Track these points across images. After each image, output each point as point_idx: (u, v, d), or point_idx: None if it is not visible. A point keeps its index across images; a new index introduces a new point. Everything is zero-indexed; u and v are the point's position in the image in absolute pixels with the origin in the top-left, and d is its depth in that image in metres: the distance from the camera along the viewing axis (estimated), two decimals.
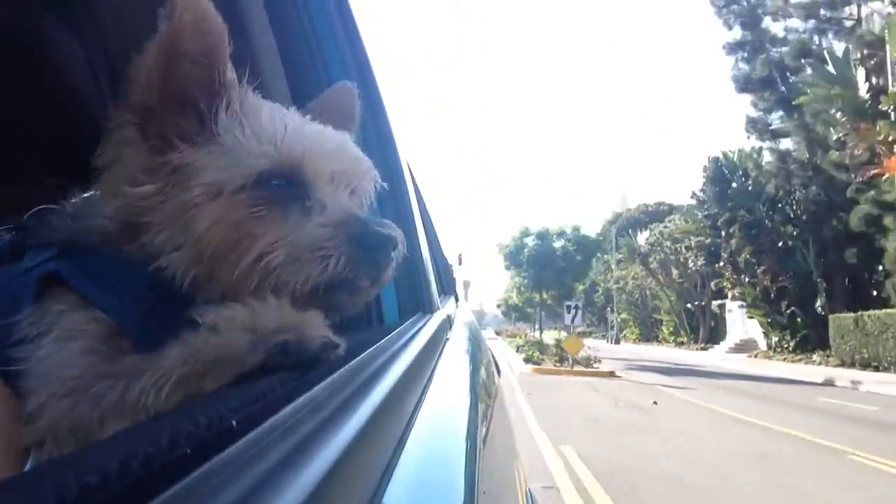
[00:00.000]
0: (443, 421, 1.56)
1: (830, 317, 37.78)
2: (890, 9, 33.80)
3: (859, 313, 34.61)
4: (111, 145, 1.13)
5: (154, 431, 0.70)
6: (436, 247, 5.12)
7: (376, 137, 2.38)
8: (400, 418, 1.24)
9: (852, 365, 34.37)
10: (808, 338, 40.50)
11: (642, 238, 70.70)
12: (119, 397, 0.98)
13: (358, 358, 1.22)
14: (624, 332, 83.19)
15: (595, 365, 36.88)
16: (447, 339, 2.83)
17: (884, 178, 30.04)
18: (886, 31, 30.01)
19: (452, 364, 2.40)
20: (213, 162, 1.11)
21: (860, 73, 32.00)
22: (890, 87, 29.05)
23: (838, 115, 33.54)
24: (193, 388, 0.98)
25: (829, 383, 30.25)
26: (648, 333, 76.58)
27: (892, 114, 28.04)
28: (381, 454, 1.04)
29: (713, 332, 59.98)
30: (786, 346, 43.61)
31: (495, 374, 4.07)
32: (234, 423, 0.75)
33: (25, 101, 1.33)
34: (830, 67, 34.71)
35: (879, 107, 29.76)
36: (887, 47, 29.64)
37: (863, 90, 31.87)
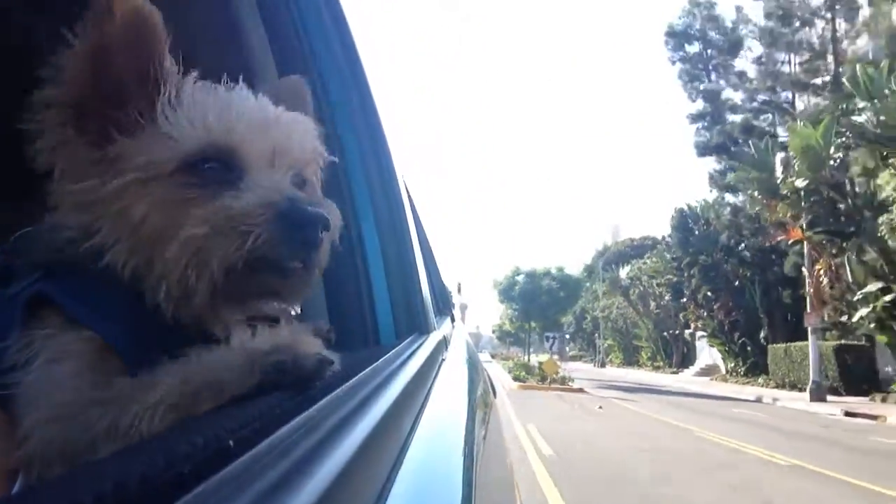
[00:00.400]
0: (439, 441, 1.42)
1: (769, 347, 41.16)
2: (814, 99, 37.75)
3: (787, 344, 38.41)
4: (48, 147, 0.99)
5: (150, 451, 0.64)
6: (432, 267, 4.68)
7: (370, 145, 2.16)
8: (396, 438, 1.13)
9: (784, 386, 37.70)
10: (757, 364, 42.94)
11: (624, 272, 70.21)
12: (111, 423, 0.86)
13: (354, 378, 1.11)
14: (610, 356, 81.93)
15: (569, 383, 41.16)
16: (443, 360, 2.56)
17: (789, 241, 34.26)
18: (789, 133, 34.20)
19: (448, 385, 2.18)
20: (145, 149, 0.98)
21: (778, 158, 34.79)
22: (789, 178, 32.48)
23: (756, 193, 37.15)
24: (188, 412, 0.87)
25: (758, 400, 33.61)
26: (630, 358, 75.45)
27: (792, 196, 32.26)
28: (378, 474, 0.94)
29: (685, 358, 60.56)
30: (739, 370, 46.07)
31: (491, 394, 3.72)
32: (231, 443, 0.67)
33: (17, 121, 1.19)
34: (753, 153, 37.63)
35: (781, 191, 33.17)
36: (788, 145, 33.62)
37: (778, 172, 34.09)
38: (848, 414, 26.02)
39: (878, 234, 27.70)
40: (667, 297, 57.26)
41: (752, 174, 36.38)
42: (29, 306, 0.93)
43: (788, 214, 33.00)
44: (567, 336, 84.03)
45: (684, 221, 49.39)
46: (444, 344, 3.02)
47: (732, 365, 47.14)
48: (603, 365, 78.38)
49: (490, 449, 2.18)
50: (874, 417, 24.58)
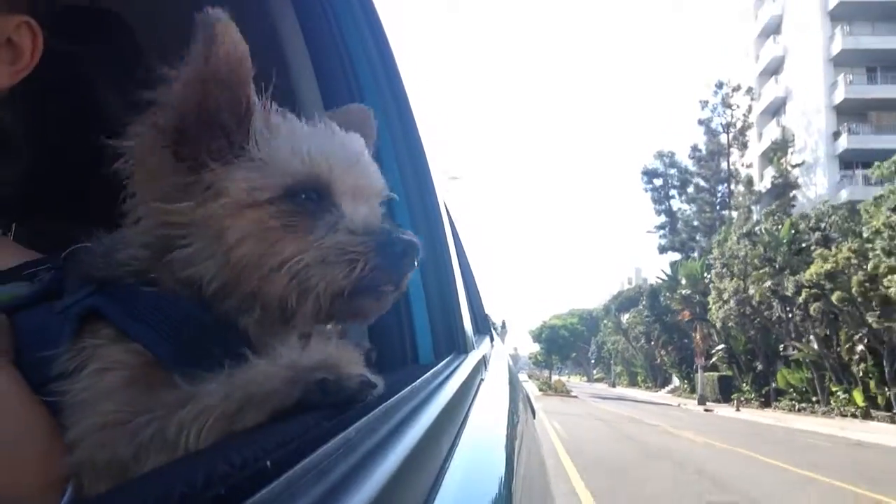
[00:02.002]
0: (478, 465, 1.03)
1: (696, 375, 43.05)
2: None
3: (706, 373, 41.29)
4: (144, 168, 0.72)
5: (189, 471, 0.44)
6: (471, 285, 3.41)
7: (411, 167, 1.49)
8: (434, 462, 0.79)
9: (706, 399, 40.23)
10: (695, 385, 43.18)
11: (625, 317, 65.22)
12: (156, 432, 0.59)
13: (393, 398, 0.79)
14: (619, 379, 76.39)
15: (571, 393, 48.39)
16: (482, 380, 1.81)
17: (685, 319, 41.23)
18: (680, 266, 41.84)
19: (487, 406, 1.55)
20: (242, 178, 0.70)
21: (683, 276, 41.36)
22: (679, 289, 40.26)
23: (667, 293, 42.73)
24: (231, 424, 0.59)
25: (678, 406, 36.95)
26: (633, 380, 70.49)
27: (681, 299, 39.86)
28: (416, 498, 0.66)
29: (666, 380, 58.12)
30: (686, 389, 45.57)
31: (530, 415, 2.78)
32: (268, 463, 0.46)
33: (73, 138, 0.91)
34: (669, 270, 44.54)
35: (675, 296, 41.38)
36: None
37: (683, 283, 40.58)
38: (706, 410, 32.61)
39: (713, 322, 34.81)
40: (642, 340, 56.83)
41: (664, 283, 43.96)
42: (81, 320, 0.66)
43: (681, 307, 40.13)
44: (592, 361, 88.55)
45: (654, 293, 49.97)
46: (483, 364, 2.16)
47: (685, 386, 46.49)
48: (613, 385, 74.74)
49: (530, 471, 1.68)
50: (710, 410, 31.97)
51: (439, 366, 1.29)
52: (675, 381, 52.81)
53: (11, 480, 0.59)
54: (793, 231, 27.28)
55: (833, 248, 23.42)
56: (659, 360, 53.18)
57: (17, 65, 0.81)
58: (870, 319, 21.71)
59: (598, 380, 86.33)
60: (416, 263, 0.74)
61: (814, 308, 23.64)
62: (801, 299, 24.10)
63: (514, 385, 2.58)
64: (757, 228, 29.76)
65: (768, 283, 26.37)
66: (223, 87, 0.68)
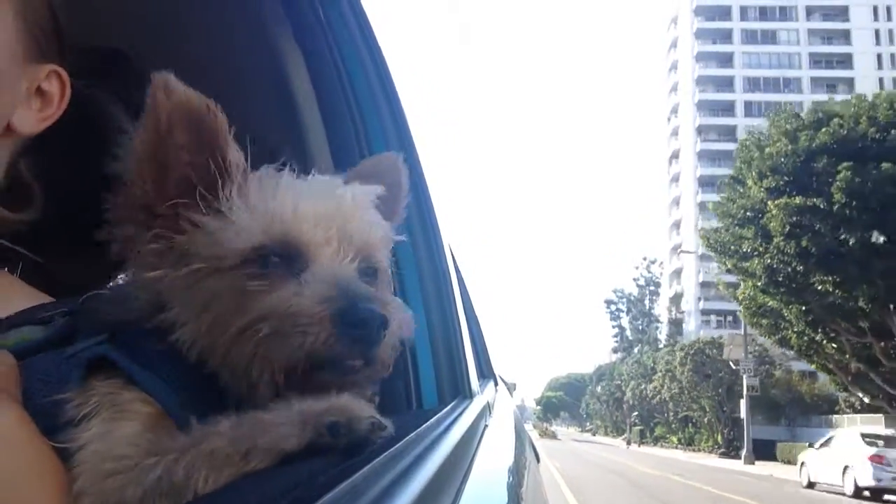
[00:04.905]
0: None
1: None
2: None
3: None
4: (117, 242, 0.39)
5: None
6: (475, 328, 1.82)
7: (417, 213, 0.78)
8: None
9: (631, 442, 38.57)
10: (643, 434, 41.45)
11: (599, 387, 54.68)
12: (163, 475, 0.30)
13: (398, 444, 0.42)
14: (599, 429, 62.36)
15: (557, 437, 42.33)
16: (486, 427, 0.96)
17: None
18: (616, 368, 42.49)
19: (492, 453, 0.86)
20: (212, 240, 0.35)
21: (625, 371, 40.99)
22: (614, 381, 41.07)
23: (610, 381, 41.90)
24: (240, 468, 0.30)
25: (617, 446, 34.37)
26: (608, 430, 57.68)
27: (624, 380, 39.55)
28: None
29: (625, 431, 49.41)
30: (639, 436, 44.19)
31: (535, 462, 1.69)
32: None
33: (91, 180, 0.49)
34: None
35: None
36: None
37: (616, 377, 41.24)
38: (627, 446, 32.31)
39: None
40: (605, 405, 50.47)
41: (608, 375, 42.84)
42: (90, 366, 0.35)
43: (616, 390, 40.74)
44: (585, 416, 72.67)
45: (608, 378, 47.27)
46: (487, 409, 1.20)
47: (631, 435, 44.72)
48: (594, 434, 62.53)
49: None
50: (629, 446, 31.88)
51: (443, 411, 0.74)
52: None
53: None
54: (651, 362, 32.96)
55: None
56: (615, 418, 48.31)
57: (45, 112, 0.49)
58: (673, 409, 27.97)
59: (588, 430, 70.46)
60: (383, 335, 0.36)
61: (656, 401, 29.38)
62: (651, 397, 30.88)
63: (518, 431, 1.61)
64: (642, 356, 35.88)
65: (644, 387, 31.93)
66: (184, 152, 0.36)
